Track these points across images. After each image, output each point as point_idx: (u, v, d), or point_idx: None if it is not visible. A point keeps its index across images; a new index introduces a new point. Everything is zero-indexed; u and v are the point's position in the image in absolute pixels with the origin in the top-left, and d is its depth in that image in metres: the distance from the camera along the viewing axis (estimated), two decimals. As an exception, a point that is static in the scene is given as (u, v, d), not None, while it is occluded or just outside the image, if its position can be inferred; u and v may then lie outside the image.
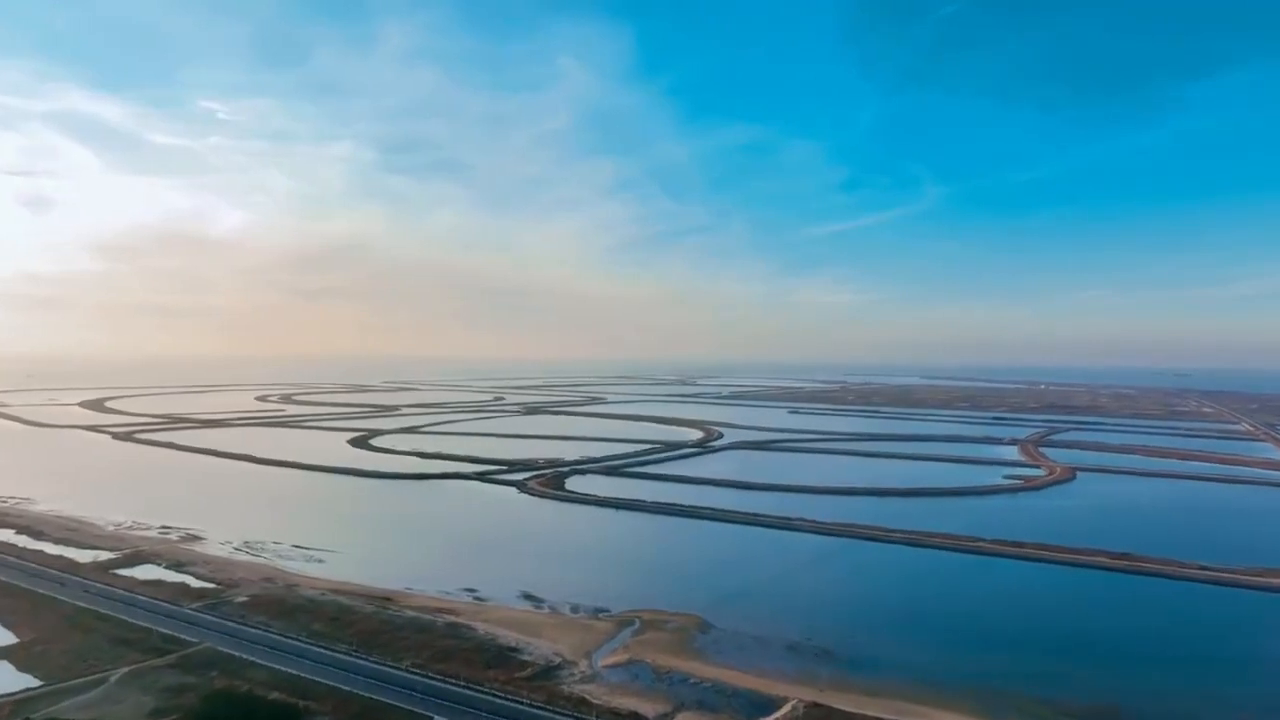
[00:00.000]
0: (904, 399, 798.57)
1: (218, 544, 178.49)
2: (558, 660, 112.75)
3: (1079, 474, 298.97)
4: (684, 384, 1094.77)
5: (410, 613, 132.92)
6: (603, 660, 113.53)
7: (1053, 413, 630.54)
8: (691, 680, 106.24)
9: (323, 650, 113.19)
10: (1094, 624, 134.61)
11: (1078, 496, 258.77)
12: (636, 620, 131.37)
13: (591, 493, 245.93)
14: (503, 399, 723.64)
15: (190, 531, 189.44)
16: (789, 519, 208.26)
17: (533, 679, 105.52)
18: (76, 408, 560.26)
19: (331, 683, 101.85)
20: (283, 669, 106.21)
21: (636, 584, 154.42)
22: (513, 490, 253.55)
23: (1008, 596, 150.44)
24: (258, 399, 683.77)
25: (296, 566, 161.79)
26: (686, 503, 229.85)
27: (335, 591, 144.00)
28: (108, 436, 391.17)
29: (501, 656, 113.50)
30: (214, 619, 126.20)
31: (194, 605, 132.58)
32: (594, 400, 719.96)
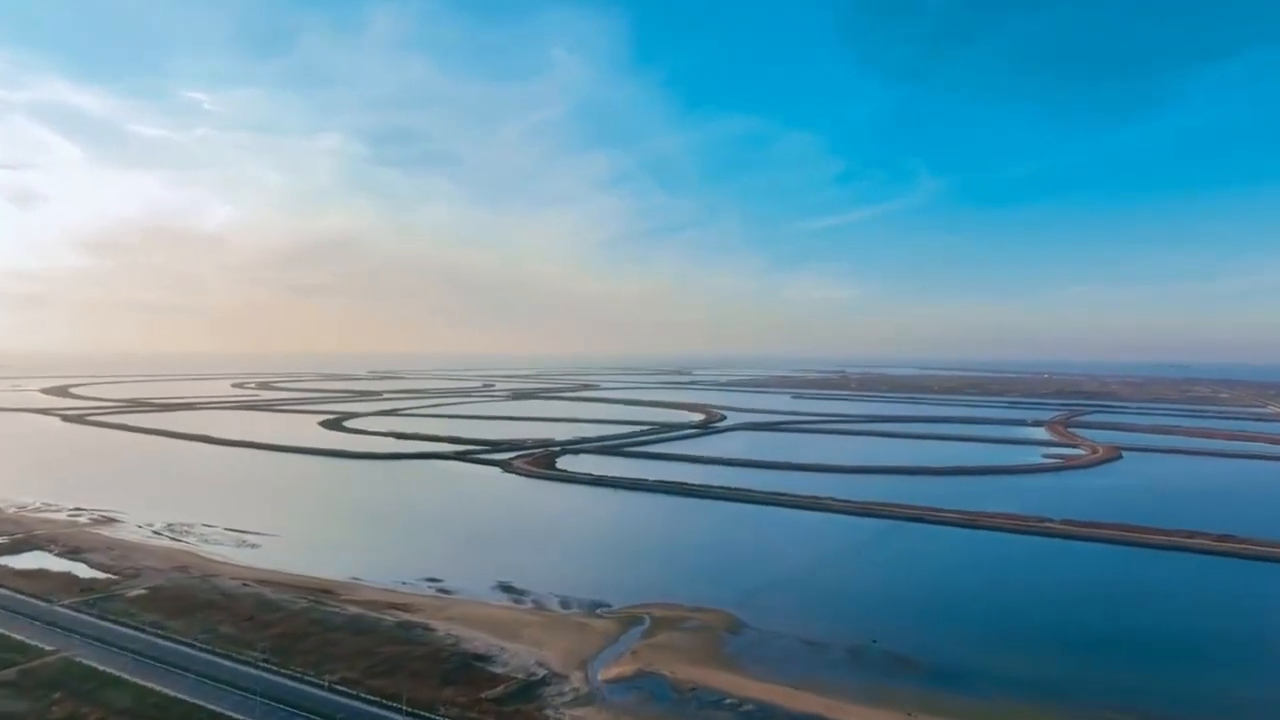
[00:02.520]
0: (909, 386, 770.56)
1: (135, 527, 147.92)
2: (541, 673, 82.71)
3: (1124, 453, 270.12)
4: (679, 374, 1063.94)
5: (353, 609, 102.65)
6: (604, 672, 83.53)
7: (1066, 398, 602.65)
8: (728, 701, 76.35)
9: (222, 660, 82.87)
10: (1233, 619, 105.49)
11: (1133, 475, 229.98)
12: (646, 618, 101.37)
13: (586, 471, 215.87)
14: (491, 386, 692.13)
15: (107, 513, 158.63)
16: (818, 498, 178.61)
17: (506, 700, 75.51)
18: (37, 393, 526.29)
19: (218, 708, 71.53)
20: (156, 688, 75.83)
21: (643, 573, 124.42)
22: (496, 470, 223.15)
23: (1110, 586, 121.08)
24: (234, 385, 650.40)
25: (223, 552, 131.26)
26: (696, 482, 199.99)
27: (262, 582, 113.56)
28: (57, 419, 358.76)
29: (465, 668, 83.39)
30: (90, 619, 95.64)
31: (69, 601, 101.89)
32: (587, 387, 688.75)
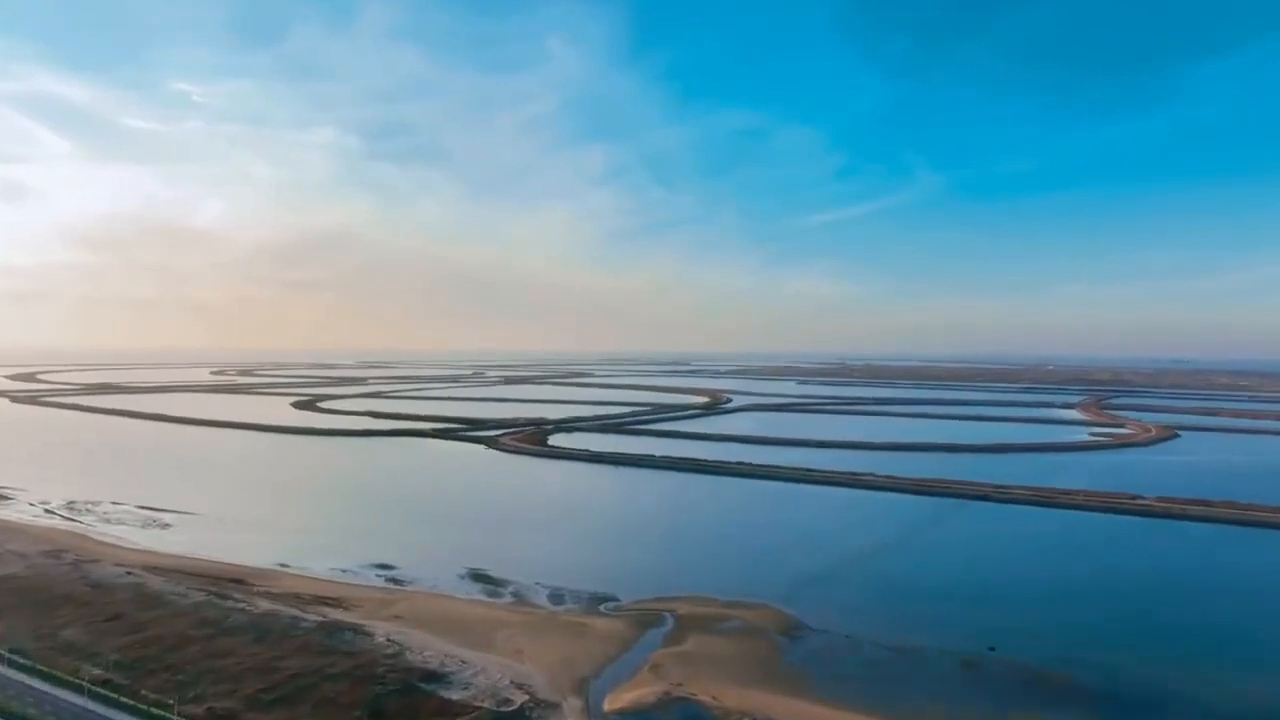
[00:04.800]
0: (916, 374, 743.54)
1: (26, 504, 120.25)
2: (519, 699, 55.24)
3: (1179, 432, 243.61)
4: (678, 364, 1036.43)
5: (265, 604, 74.95)
6: (612, 698, 56.16)
7: (1083, 385, 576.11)
8: (808, 746, 48.90)
9: (35, 683, 55.14)
10: None
11: (1202, 452, 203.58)
12: (668, 616, 73.92)
13: (582, 448, 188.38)
14: (483, 374, 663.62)
15: (0, 489, 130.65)
16: (857, 475, 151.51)
17: (461, 748, 47.98)
18: (1, 378, 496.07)
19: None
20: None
21: (658, 558, 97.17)
22: (479, 448, 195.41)
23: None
24: (214, 373, 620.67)
25: (121, 533, 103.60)
26: (710, 458, 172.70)
27: (154, 569, 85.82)
28: (5, 400, 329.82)
29: (405, 693, 55.81)
30: (-116, 618, 67.69)
31: (-128, 594, 73.95)
32: (583, 375, 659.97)
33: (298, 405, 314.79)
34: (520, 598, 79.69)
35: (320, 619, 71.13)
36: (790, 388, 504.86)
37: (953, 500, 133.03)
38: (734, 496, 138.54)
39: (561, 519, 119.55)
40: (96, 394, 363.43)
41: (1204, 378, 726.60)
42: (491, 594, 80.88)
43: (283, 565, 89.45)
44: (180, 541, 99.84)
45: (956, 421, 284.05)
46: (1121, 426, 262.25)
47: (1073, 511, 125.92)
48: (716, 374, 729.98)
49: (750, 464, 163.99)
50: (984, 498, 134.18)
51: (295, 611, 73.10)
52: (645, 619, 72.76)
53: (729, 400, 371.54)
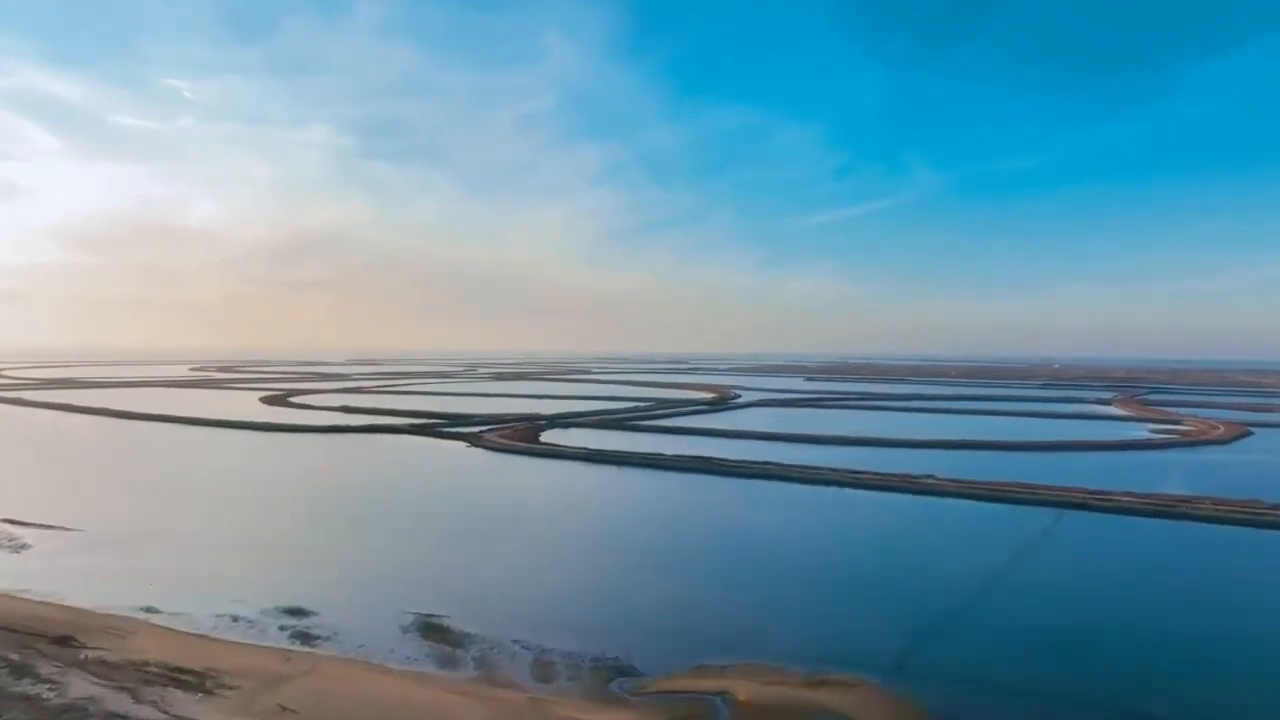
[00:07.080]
0: (922, 373, 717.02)
1: None
2: None
3: (1252, 429, 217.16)
4: (677, 363, 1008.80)
5: (83, 682, 47.53)
6: None
7: (1102, 382, 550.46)
8: None
9: None
10: None
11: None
12: (718, 703, 46.51)
13: (580, 445, 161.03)
14: (474, 370, 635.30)
15: None
16: (913, 478, 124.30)
17: None
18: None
19: None
20: None
21: (688, 598, 69.58)
22: (459, 445, 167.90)
23: None
24: (192, 370, 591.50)
25: (-51, 560, 75.87)
26: (730, 457, 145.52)
27: (-49, 620, 58.25)
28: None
29: None
30: None
31: None
32: (580, 372, 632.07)
33: (266, 400, 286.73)
34: (487, 668, 52.22)
35: (158, 716, 43.69)
36: (799, 384, 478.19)
37: (1044, 509, 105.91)
38: (769, 506, 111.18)
39: (553, 537, 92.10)
40: (48, 388, 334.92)
41: (1220, 375, 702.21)
42: (444, 661, 53.41)
43: (149, 609, 61.95)
44: (25, 571, 72.23)
45: (992, 417, 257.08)
46: (1179, 423, 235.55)
47: (1208, 525, 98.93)
48: (718, 371, 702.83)
49: (780, 464, 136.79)
50: (1082, 505, 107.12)
51: (123, 701, 45.60)
52: (684, 711, 45.47)
53: (737, 395, 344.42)
